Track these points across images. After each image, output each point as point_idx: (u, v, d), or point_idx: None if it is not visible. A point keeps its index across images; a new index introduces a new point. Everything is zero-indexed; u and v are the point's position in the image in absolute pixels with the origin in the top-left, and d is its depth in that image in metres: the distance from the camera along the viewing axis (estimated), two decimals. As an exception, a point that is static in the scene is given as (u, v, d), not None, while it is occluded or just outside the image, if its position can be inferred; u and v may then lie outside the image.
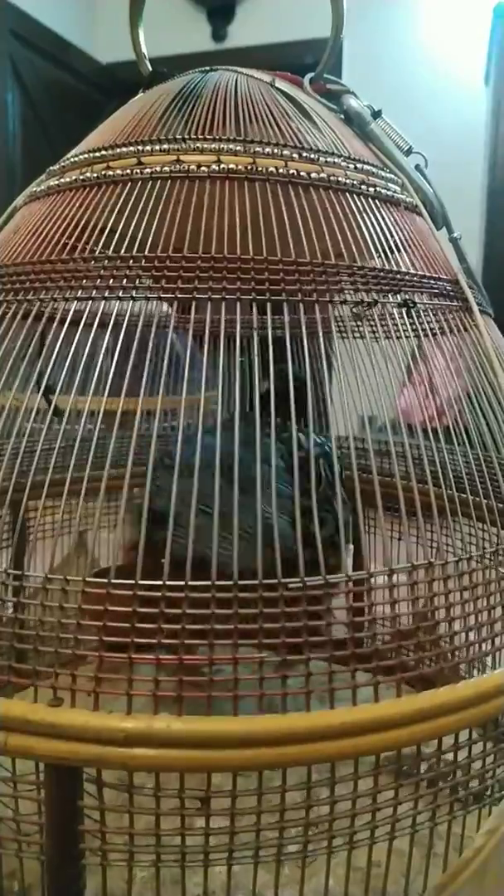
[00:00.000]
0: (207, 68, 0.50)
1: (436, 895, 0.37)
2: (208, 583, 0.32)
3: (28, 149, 2.32)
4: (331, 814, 0.33)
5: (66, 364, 0.38)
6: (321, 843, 0.34)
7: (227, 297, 0.36)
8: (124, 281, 0.37)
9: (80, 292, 0.37)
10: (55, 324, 0.39)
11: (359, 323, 0.47)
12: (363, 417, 0.40)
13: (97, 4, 2.71)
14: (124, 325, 0.39)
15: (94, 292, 0.37)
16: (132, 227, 0.40)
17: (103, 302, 0.38)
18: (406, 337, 0.41)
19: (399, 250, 0.43)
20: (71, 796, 0.32)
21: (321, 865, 0.39)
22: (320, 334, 0.47)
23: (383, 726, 0.32)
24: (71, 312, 0.38)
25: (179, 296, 0.36)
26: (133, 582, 0.31)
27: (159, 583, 0.31)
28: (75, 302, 0.38)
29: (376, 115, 0.52)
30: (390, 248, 0.43)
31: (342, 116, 0.52)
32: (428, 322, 0.43)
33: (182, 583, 0.31)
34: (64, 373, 0.38)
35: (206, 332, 0.36)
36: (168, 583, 0.31)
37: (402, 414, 0.43)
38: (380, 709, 0.32)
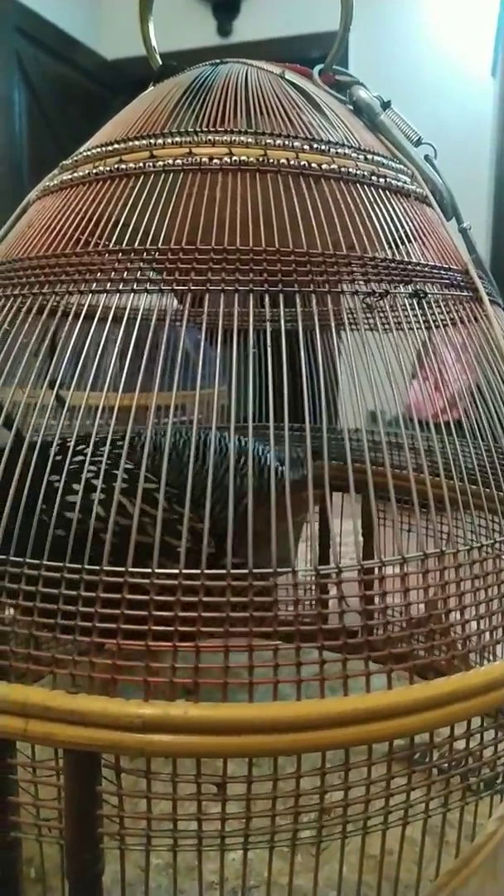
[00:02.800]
0: (218, 61, 0.50)
1: (448, 880, 0.38)
2: (223, 571, 0.32)
3: (34, 145, 2.33)
4: (345, 799, 0.34)
5: (78, 360, 0.38)
6: (335, 829, 0.34)
7: (239, 288, 0.37)
8: (138, 273, 0.37)
9: (94, 285, 0.38)
10: (69, 319, 0.39)
11: (369, 315, 0.47)
12: (374, 409, 0.40)
13: (103, 1, 2.71)
14: (138, 320, 0.39)
15: (108, 285, 0.37)
16: (145, 220, 0.40)
17: (116, 296, 0.38)
18: (417, 328, 0.41)
19: (409, 241, 0.43)
20: (89, 782, 0.32)
21: (335, 853, 0.39)
22: (332, 326, 0.47)
23: (396, 713, 0.32)
24: (85, 307, 0.39)
25: (193, 287, 0.37)
26: (151, 571, 0.32)
27: (175, 571, 0.32)
28: (89, 295, 0.39)
29: (385, 105, 0.52)
30: (401, 238, 0.43)
31: (351, 107, 0.52)
32: (438, 313, 0.43)
33: (199, 571, 0.32)
34: (75, 368, 0.38)
35: (220, 324, 0.37)
36: (184, 571, 0.32)
37: (411, 408, 0.44)
38: (392, 696, 0.33)
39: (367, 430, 0.47)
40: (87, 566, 0.32)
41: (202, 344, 0.40)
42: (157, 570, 0.32)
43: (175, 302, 0.42)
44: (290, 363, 0.37)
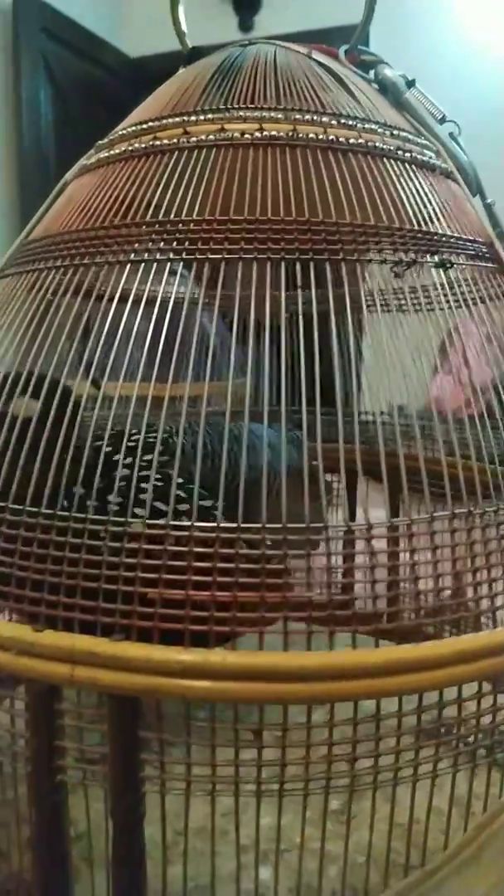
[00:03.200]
0: (246, 41, 0.51)
1: (477, 834, 0.39)
2: (259, 525, 0.33)
3: (60, 143, 2.36)
4: (376, 749, 0.35)
5: (112, 347, 0.40)
6: (367, 779, 0.36)
7: (271, 256, 0.38)
8: (174, 244, 0.39)
9: (132, 255, 0.39)
10: (103, 302, 0.40)
11: (398, 287, 0.48)
12: (402, 389, 0.41)
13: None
14: (170, 306, 0.40)
15: (145, 255, 0.39)
16: (180, 194, 0.41)
17: (148, 281, 0.40)
18: (446, 307, 0.42)
19: (435, 213, 0.44)
20: (132, 726, 0.34)
21: (364, 821, 0.40)
22: (363, 302, 0.48)
23: (427, 665, 0.33)
24: (119, 288, 0.40)
25: (227, 256, 0.38)
26: (190, 524, 0.33)
27: (213, 525, 0.33)
28: (123, 277, 0.40)
29: (410, 84, 0.52)
30: (427, 211, 0.44)
31: (376, 86, 0.53)
32: (467, 291, 0.43)
33: (234, 525, 0.33)
34: (110, 356, 0.40)
35: (252, 302, 0.38)
36: (222, 525, 0.33)
37: (434, 402, 0.44)
38: (423, 649, 0.34)
39: (389, 413, 0.48)
40: (130, 519, 0.33)
41: (224, 333, 0.41)
42: (196, 524, 0.33)
43: (201, 291, 0.43)
44: (318, 345, 0.38)
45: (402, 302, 0.48)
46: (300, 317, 0.37)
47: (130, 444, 0.42)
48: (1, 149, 2.16)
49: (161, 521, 0.34)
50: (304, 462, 0.35)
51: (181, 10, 0.56)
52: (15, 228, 2.15)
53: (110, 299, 0.40)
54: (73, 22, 2.45)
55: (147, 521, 0.34)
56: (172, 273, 0.43)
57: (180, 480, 0.38)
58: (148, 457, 0.37)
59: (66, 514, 0.35)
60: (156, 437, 0.37)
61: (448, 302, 0.41)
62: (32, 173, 2.24)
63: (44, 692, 0.35)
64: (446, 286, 0.42)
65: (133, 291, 0.40)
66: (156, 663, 0.32)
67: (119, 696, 0.33)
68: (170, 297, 0.40)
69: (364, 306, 0.51)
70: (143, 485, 0.38)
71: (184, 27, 0.57)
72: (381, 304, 0.53)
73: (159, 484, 0.39)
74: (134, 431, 0.42)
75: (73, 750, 0.35)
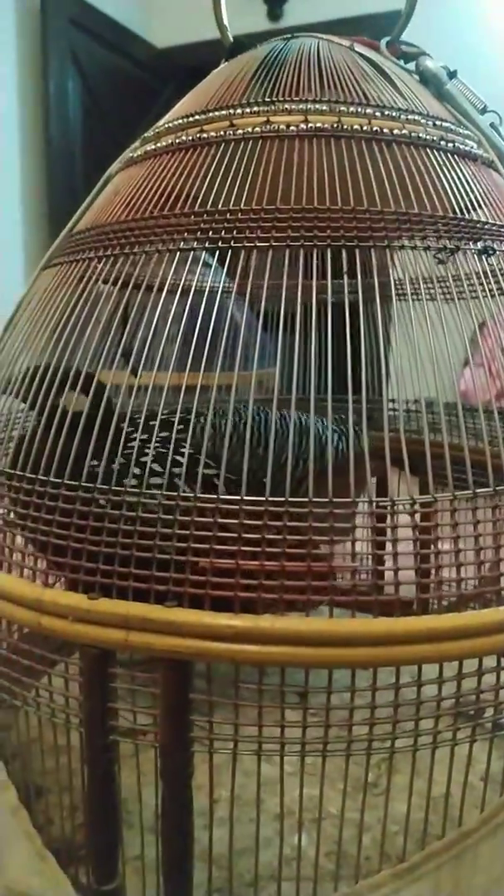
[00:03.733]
0: (289, 35, 0.53)
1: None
2: (306, 499, 0.35)
3: (88, 134, 2.38)
4: (417, 714, 0.36)
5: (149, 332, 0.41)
6: (407, 743, 0.37)
7: (318, 244, 0.39)
8: (223, 233, 0.40)
9: (181, 244, 0.41)
10: (140, 291, 0.42)
11: (440, 276, 0.49)
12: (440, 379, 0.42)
13: (152, -10, 2.74)
14: (218, 297, 0.41)
15: (195, 243, 0.41)
16: (227, 186, 0.43)
17: (192, 274, 0.41)
18: (490, 294, 0.43)
19: (478, 201, 0.45)
20: (184, 688, 0.36)
21: (400, 793, 0.42)
22: (407, 286, 0.49)
23: (466, 634, 0.35)
24: (158, 278, 0.42)
25: (274, 244, 0.39)
26: (240, 498, 0.35)
27: (262, 498, 0.35)
28: (163, 265, 0.42)
29: (452, 75, 0.53)
30: (469, 200, 0.45)
31: (418, 77, 0.54)
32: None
33: (283, 499, 0.35)
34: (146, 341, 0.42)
35: (299, 287, 0.39)
36: (270, 498, 0.35)
37: (462, 396, 0.45)
38: (463, 618, 0.35)
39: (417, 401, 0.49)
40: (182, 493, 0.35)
41: (255, 325, 0.43)
42: (246, 498, 0.35)
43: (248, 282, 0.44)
44: (352, 334, 0.39)
45: (447, 290, 0.49)
46: (346, 304, 0.38)
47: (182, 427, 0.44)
48: (29, 139, 2.18)
49: (213, 496, 0.35)
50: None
51: (223, 4, 0.58)
52: (43, 217, 2.18)
53: (159, 289, 0.42)
54: (101, 13, 2.46)
55: (199, 495, 0.36)
56: (207, 265, 0.45)
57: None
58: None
59: (121, 489, 0.37)
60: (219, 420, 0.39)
61: (491, 290, 0.42)
62: (60, 164, 2.27)
63: (98, 657, 0.38)
64: (489, 274, 0.43)
65: (182, 282, 0.42)
66: (207, 627, 0.34)
67: (171, 659, 0.35)
68: (217, 289, 0.42)
69: (408, 293, 0.52)
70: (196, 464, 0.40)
71: (226, 21, 0.58)
72: (426, 292, 0.54)
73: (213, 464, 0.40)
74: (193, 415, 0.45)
75: (125, 711, 0.37)
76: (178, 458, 0.42)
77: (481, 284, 0.42)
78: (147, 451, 0.41)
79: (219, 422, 0.48)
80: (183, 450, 0.43)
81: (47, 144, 2.24)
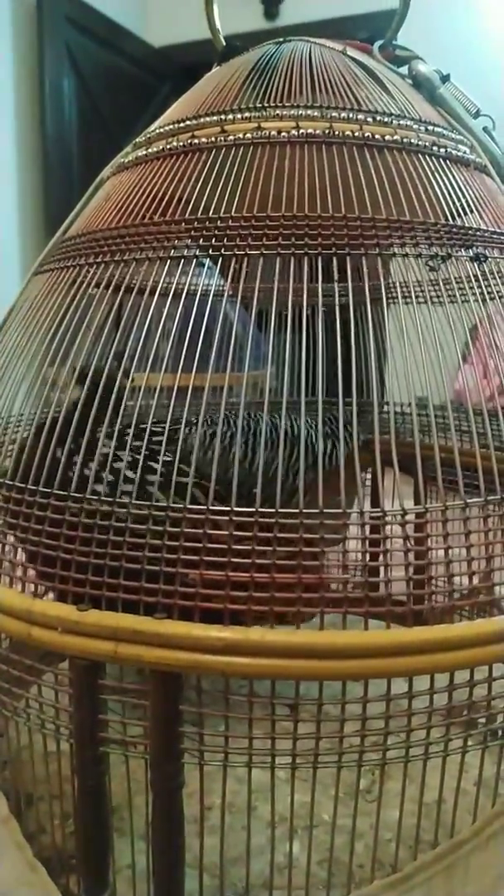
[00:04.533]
0: (281, 39, 0.52)
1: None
2: (296, 510, 0.35)
3: (84, 132, 2.37)
4: (408, 725, 0.36)
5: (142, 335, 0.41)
6: (399, 754, 0.37)
7: (308, 252, 0.39)
8: (212, 240, 0.40)
9: (172, 252, 0.40)
10: (132, 295, 0.42)
11: (433, 279, 0.48)
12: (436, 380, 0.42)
13: (149, -11, 2.73)
14: (210, 299, 0.41)
15: (185, 251, 0.40)
16: (217, 192, 0.42)
17: (184, 276, 0.41)
18: (482, 298, 0.42)
19: (470, 208, 0.45)
20: (173, 700, 0.36)
21: (392, 799, 0.42)
22: (397, 294, 0.49)
23: (458, 646, 0.35)
24: (150, 282, 0.41)
25: (265, 252, 0.39)
26: (230, 509, 0.35)
27: (252, 509, 0.35)
28: (155, 269, 0.41)
29: (445, 79, 0.53)
30: (461, 206, 0.45)
31: (411, 82, 0.54)
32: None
33: (273, 510, 0.35)
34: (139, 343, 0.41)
35: (289, 296, 0.39)
36: (260, 509, 0.35)
37: (457, 394, 0.45)
38: (456, 629, 0.35)
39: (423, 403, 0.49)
40: (172, 504, 0.35)
41: (251, 326, 0.43)
42: (236, 509, 0.35)
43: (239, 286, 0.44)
44: (344, 337, 0.39)
45: (438, 294, 0.49)
46: (336, 309, 0.38)
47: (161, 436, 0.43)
48: (25, 137, 2.18)
49: (201, 507, 0.35)
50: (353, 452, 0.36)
51: (216, 7, 0.57)
52: (39, 216, 2.18)
53: (151, 293, 0.42)
54: (98, 11, 2.45)
55: (187, 507, 0.36)
56: (200, 265, 0.45)
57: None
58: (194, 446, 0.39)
59: (110, 500, 0.37)
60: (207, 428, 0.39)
61: (482, 294, 0.42)
62: (56, 162, 2.26)
63: (87, 668, 0.37)
64: (479, 279, 0.43)
65: (173, 285, 0.42)
66: (196, 640, 0.34)
67: (161, 671, 0.35)
68: (209, 291, 0.42)
69: (400, 298, 0.51)
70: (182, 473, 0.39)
71: (218, 25, 0.58)
72: (417, 296, 0.53)
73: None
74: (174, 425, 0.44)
75: (115, 723, 0.37)
76: (156, 466, 0.41)
77: (472, 288, 0.42)
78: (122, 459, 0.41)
79: (208, 434, 0.48)
80: (168, 458, 0.42)
81: (43, 142, 2.23)
